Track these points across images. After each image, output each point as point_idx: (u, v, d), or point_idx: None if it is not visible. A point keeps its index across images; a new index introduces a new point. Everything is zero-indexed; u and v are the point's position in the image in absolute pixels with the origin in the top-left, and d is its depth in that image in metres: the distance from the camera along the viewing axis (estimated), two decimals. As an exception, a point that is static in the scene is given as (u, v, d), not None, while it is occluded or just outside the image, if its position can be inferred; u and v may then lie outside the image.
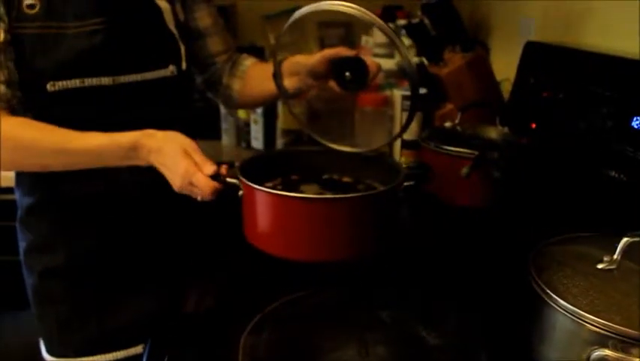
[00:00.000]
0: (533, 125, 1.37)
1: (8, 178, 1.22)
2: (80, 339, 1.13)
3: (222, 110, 2.05)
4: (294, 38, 1.06)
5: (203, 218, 1.19)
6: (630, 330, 0.65)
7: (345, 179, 1.13)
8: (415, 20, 1.69)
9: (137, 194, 1.09)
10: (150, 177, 0.95)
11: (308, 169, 1.13)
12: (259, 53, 2.21)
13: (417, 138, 1.42)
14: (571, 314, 0.69)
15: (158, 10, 1.09)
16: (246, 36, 2.42)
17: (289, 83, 1.13)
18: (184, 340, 0.91)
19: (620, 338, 0.65)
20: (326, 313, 0.93)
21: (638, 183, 1.02)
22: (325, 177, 1.13)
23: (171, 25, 1.12)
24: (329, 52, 1.08)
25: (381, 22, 0.89)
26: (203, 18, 1.22)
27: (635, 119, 1.06)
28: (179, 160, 0.92)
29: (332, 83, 1.09)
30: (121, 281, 1.13)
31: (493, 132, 1.38)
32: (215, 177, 0.92)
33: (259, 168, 1.02)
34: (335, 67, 1.06)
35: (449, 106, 1.64)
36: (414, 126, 1.11)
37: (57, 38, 0.99)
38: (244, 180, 0.93)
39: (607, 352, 0.65)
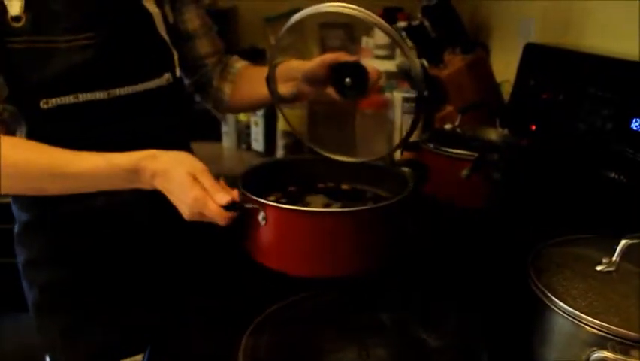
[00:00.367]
0: (533, 127, 1.37)
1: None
2: (85, 349, 1.10)
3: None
4: (294, 40, 1.05)
5: (204, 228, 1.18)
6: (629, 332, 0.64)
7: (344, 186, 1.12)
8: (415, 22, 1.69)
9: (138, 208, 1.07)
10: (152, 192, 0.90)
11: (304, 178, 1.11)
12: (260, 56, 2.22)
13: (417, 140, 1.42)
14: (570, 316, 0.69)
15: (148, 16, 1.07)
16: (247, 38, 2.43)
17: (284, 88, 1.10)
18: (184, 344, 0.91)
19: (619, 339, 0.65)
20: (326, 315, 0.93)
21: (637, 184, 1.02)
22: (321, 185, 1.12)
23: (162, 32, 1.09)
24: (328, 57, 1.05)
25: (386, 24, 0.87)
26: (192, 20, 1.20)
27: (634, 120, 1.06)
28: (186, 187, 0.85)
29: (330, 90, 1.06)
30: (123, 290, 1.10)
31: (493, 134, 1.38)
32: (229, 205, 0.85)
33: (257, 181, 0.98)
34: (334, 73, 1.04)
35: (449, 108, 1.64)
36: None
37: (47, 53, 0.95)
38: (265, 201, 0.88)
39: (606, 354, 0.65)
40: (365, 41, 2.03)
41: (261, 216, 0.88)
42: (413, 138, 1.43)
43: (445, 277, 1.04)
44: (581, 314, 0.68)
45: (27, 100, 0.95)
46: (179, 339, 0.93)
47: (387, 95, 1.59)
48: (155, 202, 0.91)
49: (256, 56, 2.07)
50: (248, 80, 1.23)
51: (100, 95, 0.99)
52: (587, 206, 1.10)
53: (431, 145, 1.29)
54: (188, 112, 1.22)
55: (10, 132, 0.97)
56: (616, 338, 0.65)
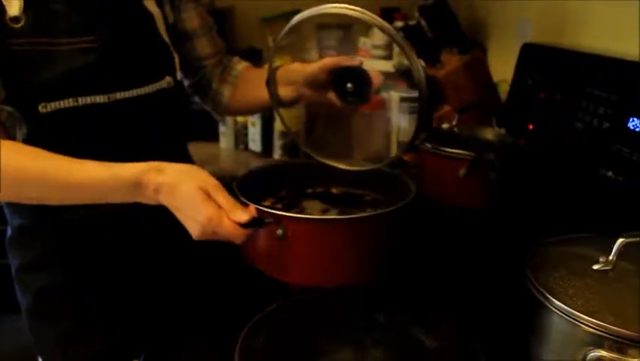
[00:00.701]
0: (530, 127, 1.37)
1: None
2: (81, 355, 1.07)
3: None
4: (292, 41, 1.04)
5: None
6: (626, 331, 0.64)
7: (335, 190, 1.10)
8: (412, 22, 1.69)
9: (139, 213, 1.00)
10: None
11: (294, 182, 1.10)
12: (257, 56, 2.22)
13: (414, 140, 1.42)
14: (566, 315, 0.69)
15: (149, 17, 1.05)
16: (245, 39, 2.42)
17: (284, 91, 1.08)
18: (179, 350, 0.91)
19: (616, 338, 0.65)
20: (323, 315, 0.93)
21: (634, 183, 1.02)
22: (309, 190, 1.10)
23: (163, 33, 1.07)
24: (329, 61, 1.03)
25: (388, 26, 0.85)
26: (191, 19, 1.16)
27: (631, 120, 1.06)
28: (198, 204, 0.79)
29: (331, 95, 1.04)
30: (119, 295, 1.08)
31: (491, 134, 1.38)
32: (248, 222, 0.80)
33: (249, 187, 0.94)
34: (335, 77, 1.01)
35: (447, 107, 1.64)
36: (411, 128, 1.11)
37: (47, 56, 0.92)
38: (285, 213, 0.85)
39: (603, 353, 0.65)
40: (362, 42, 2.02)
41: (279, 230, 0.84)
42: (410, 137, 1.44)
43: (443, 276, 1.04)
44: (578, 313, 0.68)
45: (25, 104, 0.92)
46: (174, 345, 0.92)
47: (385, 95, 1.59)
48: (156, 208, 0.86)
49: (253, 57, 2.07)
50: (248, 83, 1.21)
51: (100, 98, 0.96)
52: (584, 205, 1.10)
53: (428, 145, 1.28)
54: (186, 113, 1.20)
55: (10, 135, 0.93)
56: (612, 337, 0.65)
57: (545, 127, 1.33)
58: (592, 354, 0.66)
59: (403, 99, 1.51)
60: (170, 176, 0.82)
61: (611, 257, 0.75)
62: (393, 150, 1.52)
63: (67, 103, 0.93)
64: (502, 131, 1.38)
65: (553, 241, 0.85)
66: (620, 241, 0.74)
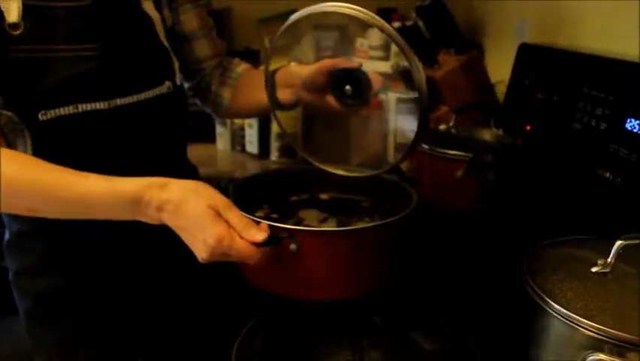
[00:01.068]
0: (528, 127, 1.36)
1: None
2: (81, 358, 1.06)
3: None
4: (290, 42, 1.02)
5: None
6: (625, 334, 0.64)
7: (323, 196, 1.09)
8: (409, 23, 1.69)
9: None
10: None
11: (287, 190, 1.08)
12: (254, 57, 2.21)
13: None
14: (565, 318, 0.68)
15: (149, 21, 1.03)
16: (242, 40, 2.42)
17: (283, 94, 1.06)
18: (176, 350, 0.90)
19: (615, 342, 0.64)
20: (320, 318, 0.93)
21: (632, 184, 1.02)
22: (294, 198, 1.08)
23: (162, 37, 1.06)
24: (327, 63, 1.00)
25: (388, 26, 0.83)
26: (190, 20, 1.14)
27: (629, 120, 1.06)
28: (207, 224, 0.75)
29: (329, 98, 1.01)
30: (118, 300, 1.07)
31: (488, 134, 1.38)
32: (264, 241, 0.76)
33: (243, 198, 0.90)
34: (334, 79, 0.98)
35: (444, 108, 1.64)
36: (409, 130, 1.11)
37: (47, 63, 0.90)
38: (298, 227, 0.83)
39: (602, 356, 0.65)
40: (360, 42, 2.02)
41: (292, 245, 0.80)
42: (407, 141, 1.44)
43: (440, 279, 1.03)
44: (576, 316, 0.67)
45: (25, 111, 0.90)
46: (171, 350, 0.92)
47: (382, 96, 1.58)
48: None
49: (250, 58, 2.06)
50: (248, 85, 1.18)
51: (100, 105, 0.94)
52: (582, 206, 1.10)
53: (426, 146, 1.28)
54: (186, 117, 1.17)
55: (9, 142, 0.92)
56: (612, 341, 0.64)
57: (543, 128, 1.32)
58: (591, 358, 0.66)
59: (400, 100, 1.50)
60: (176, 193, 0.77)
61: (609, 259, 0.74)
62: (391, 152, 1.51)
63: (68, 110, 0.92)
64: (500, 132, 1.38)
65: (552, 243, 0.85)
66: (618, 243, 0.73)
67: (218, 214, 0.76)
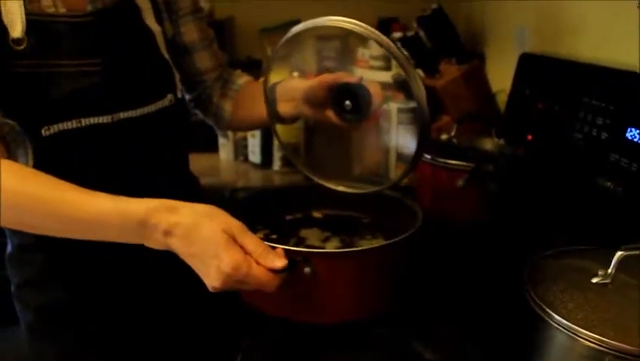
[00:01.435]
0: (529, 137, 1.37)
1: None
2: None
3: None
4: (291, 52, 1.02)
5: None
6: (626, 345, 0.64)
7: (316, 214, 1.08)
8: (411, 33, 1.70)
9: None
10: None
11: (282, 208, 1.07)
12: (256, 66, 2.22)
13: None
14: (566, 329, 0.68)
15: (151, 36, 1.04)
16: (244, 49, 2.43)
17: (284, 108, 1.05)
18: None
19: (616, 353, 0.64)
20: (320, 328, 0.92)
21: (633, 194, 1.02)
22: (289, 217, 1.07)
23: (163, 50, 1.06)
24: (327, 77, 0.99)
25: (388, 41, 0.81)
26: (190, 32, 1.14)
27: (629, 130, 1.06)
28: (222, 250, 0.71)
29: (330, 112, 1.00)
30: (120, 313, 1.06)
31: (489, 144, 1.38)
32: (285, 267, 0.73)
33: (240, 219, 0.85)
34: (334, 94, 0.97)
35: (445, 118, 1.65)
36: (410, 139, 1.11)
37: (50, 78, 0.91)
38: (314, 250, 0.83)
39: (603, 367, 0.65)
40: (361, 53, 2.02)
41: (306, 268, 0.78)
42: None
43: (442, 289, 1.03)
44: (577, 327, 0.67)
45: (27, 127, 0.90)
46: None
47: (384, 106, 1.59)
48: None
49: (252, 67, 2.07)
50: (250, 98, 1.18)
51: (103, 119, 0.95)
52: (582, 216, 1.10)
53: (427, 156, 1.28)
54: (188, 129, 1.17)
55: (12, 153, 0.91)
56: (612, 352, 0.64)
57: (544, 137, 1.33)
58: (592, 369, 0.66)
59: (401, 110, 1.51)
60: (186, 216, 0.73)
61: (610, 270, 0.74)
62: (393, 163, 1.52)
63: (70, 124, 0.92)
64: (501, 141, 1.38)
65: (553, 253, 0.85)
66: (618, 254, 0.73)
67: (233, 239, 0.73)
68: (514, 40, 1.77)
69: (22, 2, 0.89)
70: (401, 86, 1.50)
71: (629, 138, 1.06)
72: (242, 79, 1.22)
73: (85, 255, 1.00)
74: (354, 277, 0.84)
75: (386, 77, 1.66)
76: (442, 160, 1.26)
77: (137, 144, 1.01)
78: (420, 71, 1.73)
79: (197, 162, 1.28)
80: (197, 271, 0.74)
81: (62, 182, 0.79)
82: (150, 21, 1.04)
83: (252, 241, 0.74)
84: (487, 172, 1.14)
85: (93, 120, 0.94)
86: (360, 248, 0.91)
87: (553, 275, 0.78)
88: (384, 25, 2.18)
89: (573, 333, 0.68)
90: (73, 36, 0.93)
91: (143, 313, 1.09)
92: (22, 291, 1.07)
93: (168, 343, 1.11)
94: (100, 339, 1.06)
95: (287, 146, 1.14)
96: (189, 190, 1.18)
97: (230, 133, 2.05)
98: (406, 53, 1.80)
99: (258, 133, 1.95)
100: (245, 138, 2.01)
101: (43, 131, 0.90)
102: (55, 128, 0.90)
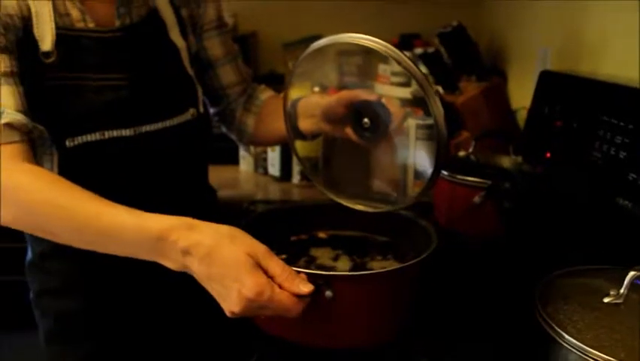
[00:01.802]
0: (548, 155, 1.36)
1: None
2: None
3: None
4: (313, 66, 1.03)
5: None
6: (636, 367, 0.63)
7: (321, 235, 1.06)
8: (431, 49, 1.70)
9: None
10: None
11: (286, 228, 1.05)
12: (279, 81, 2.24)
13: (430, 167, 1.41)
14: (575, 349, 0.67)
15: (176, 51, 1.06)
16: (267, 64, 2.46)
17: (304, 124, 1.05)
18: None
19: (626, 374, 0.64)
20: (332, 353, 0.90)
21: (651, 214, 1.01)
22: (294, 237, 1.04)
23: (187, 66, 1.08)
24: (346, 94, 0.99)
25: (410, 62, 0.81)
26: (214, 47, 1.16)
27: (649, 149, 1.05)
28: (244, 274, 0.68)
29: (349, 130, 0.99)
30: (140, 321, 1.08)
31: (507, 161, 1.37)
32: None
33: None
34: (353, 111, 0.97)
35: (465, 134, 1.64)
36: (428, 156, 1.12)
37: (77, 92, 0.93)
38: (334, 273, 0.81)
39: (612, 388, 0.64)
40: (382, 69, 2.03)
41: (327, 291, 0.75)
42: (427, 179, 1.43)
43: (451, 306, 1.03)
44: (587, 348, 0.66)
45: (52, 138, 0.92)
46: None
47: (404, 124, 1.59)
48: None
49: (274, 81, 2.09)
50: (272, 113, 1.18)
51: (126, 132, 0.96)
52: (600, 236, 1.08)
53: (445, 172, 1.28)
54: (208, 143, 1.18)
55: (38, 159, 0.93)
56: (622, 373, 0.64)
57: (563, 156, 1.32)
58: (601, 389, 0.65)
59: (420, 126, 1.51)
60: (208, 236, 0.71)
61: (622, 290, 0.73)
62: (410, 180, 1.51)
63: (94, 137, 0.94)
64: (519, 159, 1.37)
65: (565, 272, 0.84)
66: (631, 274, 0.73)
67: (257, 263, 0.70)
68: (536, 58, 1.77)
69: (52, 16, 0.92)
70: (421, 102, 1.50)
71: (649, 157, 1.05)
72: (265, 94, 1.23)
73: (105, 264, 0.98)
74: (377, 298, 0.82)
75: (406, 93, 1.66)
76: (460, 177, 1.25)
77: (157, 156, 1.03)
78: (440, 88, 1.73)
79: (218, 174, 1.29)
80: (215, 295, 0.72)
81: (84, 191, 0.80)
82: (175, 36, 1.07)
83: (277, 265, 0.71)
84: (504, 190, 1.13)
85: (116, 133, 0.96)
86: (384, 270, 0.89)
87: (565, 294, 0.77)
88: (407, 42, 2.18)
89: (583, 353, 0.67)
90: (101, 51, 0.96)
91: (159, 324, 1.10)
92: (41, 298, 1.08)
93: (181, 355, 1.12)
94: (117, 348, 1.07)
95: (305, 161, 1.14)
96: (206, 203, 1.20)
97: (251, 146, 2.07)
98: (424, 71, 1.80)
99: (277, 147, 1.97)
100: (265, 151, 2.02)
101: (67, 142, 0.92)
102: (79, 139, 0.92)
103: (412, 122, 1.54)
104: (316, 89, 1.75)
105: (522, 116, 1.65)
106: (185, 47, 1.08)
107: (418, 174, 1.37)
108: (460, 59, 1.70)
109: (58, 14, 0.93)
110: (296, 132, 1.06)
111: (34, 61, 0.91)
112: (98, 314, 1.06)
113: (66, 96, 0.93)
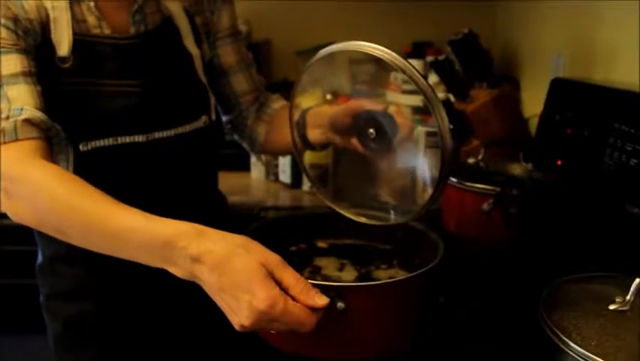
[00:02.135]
0: (559, 162, 1.35)
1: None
2: None
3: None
4: (324, 74, 1.02)
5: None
6: (641, 375, 0.62)
7: (321, 244, 1.04)
8: (442, 57, 1.70)
9: None
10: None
11: (282, 239, 1.01)
12: (292, 88, 2.24)
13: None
14: (580, 357, 0.66)
15: (190, 58, 1.06)
16: (280, 71, 2.46)
17: (313, 135, 1.04)
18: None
19: (630, 382, 0.63)
20: None
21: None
22: (294, 247, 1.03)
23: (200, 73, 1.08)
24: (353, 104, 0.98)
25: (418, 75, 0.79)
26: (227, 54, 1.16)
27: (660, 156, 1.04)
28: (258, 286, 0.65)
29: (355, 140, 0.98)
30: (149, 325, 1.08)
31: (517, 169, 1.36)
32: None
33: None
34: (358, 122, 0.95)
35: (475, 142, 1.64)
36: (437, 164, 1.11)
37: (92, 97, 0.94)
38: (345, 284, 0.81)
39: (616, 396, 0.63)
40: (394, 76, 2.03)
41: (339, 303, 0.71)
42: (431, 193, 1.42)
43: (457, 312, 1.02)
44: (591, 355, 0.65)
45: (66, 142, 0.93)
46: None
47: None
48: None
49: (288, 89, 2.09)
50: (284, 123, 1.12)
51: (139, 138, 0.97)
52: (611, 243, 1.07)
53: (453, 179, 1.27)
54: (219, 148, 1.19)
55: (54, 158, 0.92)
56: (626, 380, 0.63)
57: (574, 163, 1.30)
58: (605, 397, 0.64)
59: (430, 134, 1.50)
60: (220, 244, 0.68)
61: (628, 297, 0.72)
62: (418, 191, 1.50)
63: (107, 142, 0.94)
64: (529, 166, 1.36)
65: (571, 278, 0.83)
66: (637, 281, 0.72)
67: (270, 275, 0.67)
68: (549, 66, 1.76)
69: (70, 22, 0.93)
70: (439, 139, 1.49)
71: (660, 164, 1.04)
72: (277, 103, 1.22)
73: (115, 268, 0.97)
74: (390, 308, 0.80)
75: (417, 100, 1.66)
76: (469, 184, 1.24)
77: (169, 162, 1.03)
78: (451, 96, 1.73)
79: (229, 180, 1.29)
80: (224, 307, 0.68)
81: (99, 192, 0.78)
82: (189, 44, 1.07)
83: (292, 276, 0.68)
84: (511, 197, 1.12)
85: (129, 139, 0.96)
86: (397, 279, 0.87)
87: (570, 301, 0.76)
88: (419, 50, 2.18)
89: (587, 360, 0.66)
90: (116, 57, 0.97)
91: (168, 330, 1.10)
92: (51, 302, 1.09)
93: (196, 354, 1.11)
94: (126, 353, 1.08)
95: (311, 172, 1.13)
96: (215, 209, 1.20)
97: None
98: (435, 79, 1.80)
99: (288, 154, 1.97)
100: (276, 158, 2.03)
101: (80, 147, 0.93)
102: (92, 144, 0.94)
103: (421, 130, 1.54)
104: (329, 96, 1.75)
105: (534, 124, 1.64)
106: (199, 54, 1.09)
107: (426, 184, 1.36)
108: (471, 66, 1.69)
109: (75, 20, 0.95)
110: (305, 142, 1.05)
111: (51, 66, 0.92)
112: (107, 319, 1.06)
113: (81, 101, 0.94)
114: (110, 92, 0.96)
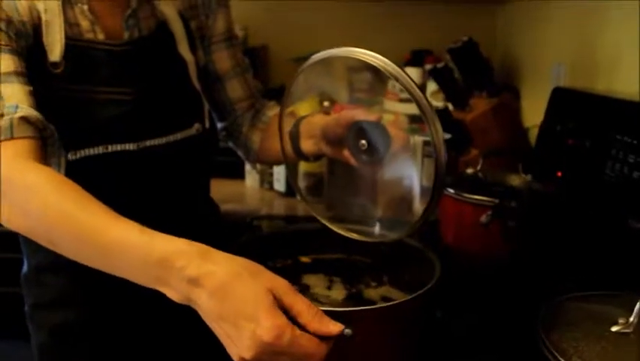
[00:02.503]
0: (559, 174, 1.32)
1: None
2: None
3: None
4: (323, 81, 1.00)
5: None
6: (644, 402, 0.59)
7: (304, 259, 1.02)
8: (441, 65, 1.67)
9: None
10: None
11: (269, 254, 0.99)
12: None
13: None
14: (580, 382, 0.63)
15: (184, 65, 1.04)
16: (277, 77, 2.44)
17: (305, 144, 1.03)
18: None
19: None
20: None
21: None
22: (280, 263, 1.00)
23: (194, 81, 1.07)
24: (345, 114, 0.95)
25: (412, 84, 0.77)
26: (222, 60, 1.14)
27: (663, 169, 1.01)
28: (263, 314, 0.59)
29: (346, 151, 0.95)
30: (135, 334, 1.06)
31: (516, 180, 1.33)
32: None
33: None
34: (350, 133, 0.92)
35: (474, 152, 1.61)
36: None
37: (83, 105, 0.92)
38: (353, 308, 0.78)
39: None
40: (392, 84, 2.01)
41: (346, 329, 0.64)
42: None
43: (456, 326, 0.99)
44: (590, 380, 0.62)
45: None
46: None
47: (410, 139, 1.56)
48: None
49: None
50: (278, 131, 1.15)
51: (130, 146, 0.95)
52: (612, 258, 1.04)
53: (451, 190, 1.24)
54: (212, 158, 1.17)
55: (47, 160, 0.88)
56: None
57: (574, 174, 1.27)
58: None
59: (427, 143, 1.48)
60: (223, 267, 0.62)
61: (632, 319, 0.69)
62: (416, 202, 1.47)
63: (97, 150, 0.92)
64: (528, 177, 1.33)
65: (571, 297, 0.80)
66: (641, 301, 0.68)
67: (279, 301, 0.62)
68: (549, 75, 1.74)
69: (62, 27, 0.91)
70: (433, 152, 1.47)
71: (663, 177, 1.01)
72: (273, 111, 1.20)
73: (101, 278, 0.94)
74: (397, 331, 0.78)
75: (414, 109, 1.63)
76: (466, 195, 1.21)
77: (160, 170, 1.01)
78: (450, 105, 1.70)
79: (223, 188, 1.27)
80: (223, 336, 0.62)
81: (95, 200, 0.72)
82: (184, 50, 1.06)
83: (303, 302, 0.62)
84: (509, 208, 1.09)
85: (119, 147, 0.94)
86: (399, 301, 0.84)
87: (570, 321, 0.73)
88: (418, 57, 2.16)
89: (586, 386, 0.63)
90: (109, 64, 0.95)
91: (155, 339, 1.08)
92: (36, 311, 1.07)
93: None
94: (113, 359, 1.06)
95: (309, 177, 1.10)
96: (207, 217, 1.18)
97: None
98: (434, 87, 1.78)
99: (283, 162, 1.95)
100: (270, 166, 2.01)
101: (70, 156, 0.90)
102: (81, 153, 0.91)
103: (418, 140, 1.51)
104: (326, 103, 1.72)
105: (534, 134, 1.61)
106: (193, 61, 1.07)
107: (424, 195, 1.33)
108: (470, 74, 1.66)
109: (68, 24, 0.93)
110: (298, 153, 1.03)
111: (42, 71, 0.90)
112: (93, 329, 1.04)
113: (71, 108, 0.91)
114: (102, 99, 0.94)
